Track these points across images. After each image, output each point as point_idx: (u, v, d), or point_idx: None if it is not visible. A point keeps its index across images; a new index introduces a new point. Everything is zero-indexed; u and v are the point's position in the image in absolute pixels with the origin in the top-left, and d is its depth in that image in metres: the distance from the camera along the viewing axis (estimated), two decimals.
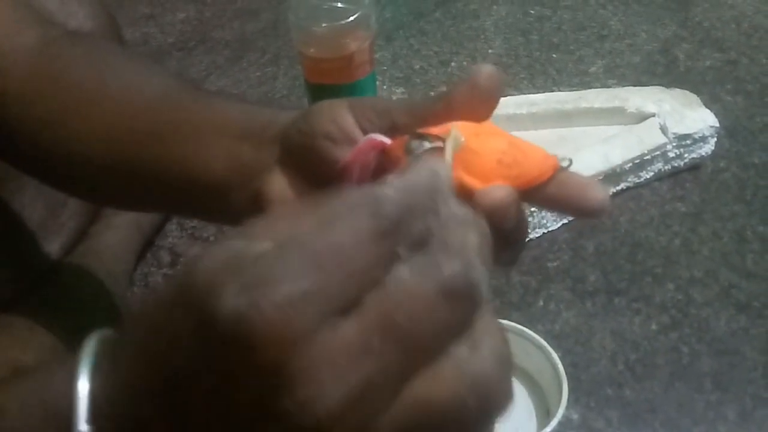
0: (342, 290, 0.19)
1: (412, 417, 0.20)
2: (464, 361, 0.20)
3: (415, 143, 0.29)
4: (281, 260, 0.19)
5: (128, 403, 0.22)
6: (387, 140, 0.31)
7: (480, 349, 0.20)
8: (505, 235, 0.30)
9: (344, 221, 0.20)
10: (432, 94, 0.32)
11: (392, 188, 0.21)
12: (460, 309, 0.20)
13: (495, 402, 0.20)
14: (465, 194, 0.29)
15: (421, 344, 0.20)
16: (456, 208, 0.22)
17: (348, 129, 0.33)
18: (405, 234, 0.20)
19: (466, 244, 0.21)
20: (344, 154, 0.33)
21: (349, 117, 0.34)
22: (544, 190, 0.30)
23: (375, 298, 0.20)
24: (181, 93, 0.42)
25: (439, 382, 0.20)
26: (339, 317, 0.19)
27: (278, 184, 0.36)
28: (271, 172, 0.36)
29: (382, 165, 0.32)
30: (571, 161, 0.31)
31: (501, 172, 0.30)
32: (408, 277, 0.20)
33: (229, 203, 0.38)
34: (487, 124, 0.31)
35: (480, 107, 0.31)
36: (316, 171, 0.34)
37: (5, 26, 0.46)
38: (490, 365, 0.20)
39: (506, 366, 0.21)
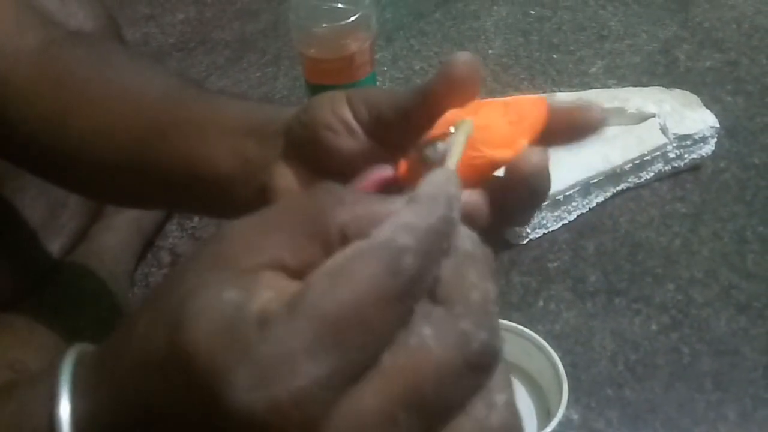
0: (361, 357, 0.18)
1: None
2: (483, 419, 0.20)
3: (429, 151, 0.28)
4: (292, 336, 0.18)
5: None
6: (389, 170, 0.30)
7: (496, 406, 0.20)
8: (536, 193, 0.29)
9: (359, 281, 0.18)
10: (412, 87, 0.33)
11: (408, 234, 0.19)
12: (483, 377, 0.20)
13: None
14: (494, 167, 0.29)
15: (443, 410, 0.19)
16: (467, 242, 0.21)
17: (347, 120, 0.34)
18: (423, 287, 0.19)
19: (488, 299, 0.20)
20: (346, 144, 0.34)
21: (347, 109, 0.34)
22: (552, 128, 0.31)
23: (396, 363, 0.19)
24: (183, 91, 0.43)
25: None
26: (357, 385, 0.18)
27: (284, 177, 0.36)
28: (276, 166, 0.36)
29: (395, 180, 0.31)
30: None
31: (516, 131, 0.30)
32: (433, 343, 0.19)
33: (234, 198, 0.38)
34: (473, 102, 0.31)
35: (460, 95, 0.30)
36: (320, 162, 0.35)
37: (7, 27, 0.46)
38: (507, 419, 0.20)
39: (518, 416, 0.21)
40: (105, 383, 0.22)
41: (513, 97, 0.31)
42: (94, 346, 0.24)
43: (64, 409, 0.22)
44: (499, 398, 0.20)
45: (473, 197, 0.30)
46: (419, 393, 0.19)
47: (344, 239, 0.20)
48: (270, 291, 0.19)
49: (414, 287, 0.19)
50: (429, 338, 0.19)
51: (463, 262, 0.20)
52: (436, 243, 0.19)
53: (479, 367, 0.19)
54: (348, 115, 0.34)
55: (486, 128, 0.29)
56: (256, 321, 0.18)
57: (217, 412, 0.18)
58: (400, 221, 0.19)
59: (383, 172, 0.31)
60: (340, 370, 0.18)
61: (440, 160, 0.27)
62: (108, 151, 0.42)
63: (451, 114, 0.30)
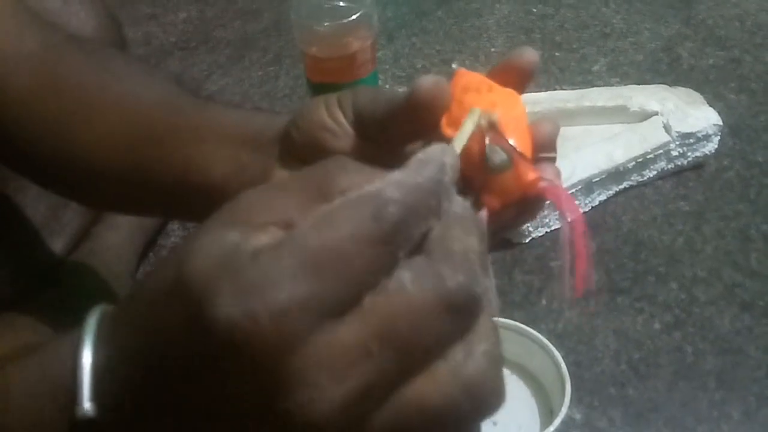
0: (340, 294, 0.19)
1: (407, 418, 0.20)
2: (459, 365, 0.20)
3: (493, 154, 0.29)
4: (277, 263, 0.19)
5: (129, 385, 0.22)
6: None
7: (474, 354, 0.20)
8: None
9: (344, 222, 0.20)
10: (397, 92, 0.34)
11: (396, 188, 0.20)
12: (460, 319, 0.20)
13: (487, 403, 0.21)
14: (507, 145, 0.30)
15: (419, 350, 0.20)
16: (457, 205, 0.22)
17: (341, 122, 0.35)
18: (407, 237, 0.20)
19: (469, 250, 0.21)
20: (343, 145, 0.35)
21: (339, 110, 0.35)
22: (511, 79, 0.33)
23: (375, 303, 0.20)
24: (179, 98, 0.43)
25: (435, 384, 0.20)
26: (337, 320, 0.19)
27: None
28: (275, 172, 0.37)
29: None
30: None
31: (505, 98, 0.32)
32: (410, 285, 0.20)
33: None
34: (468, 91, 0.33)
35: (427, 119, 0.32)
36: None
37: (7, 31, 0.46)
38: (484, 368, 0.21)
39: (498, 367, 0.21)
40: (123, 331, 0.23)
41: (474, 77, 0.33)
42: (114, 308, 0.25)
43: (86, 357, 0.23)
44: (479, 347, 0.21)
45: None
46: (394, 329, 0.19)
47: None
48: (269, 237, 0.20)
49: (396, 235, 0.20)
50: (407, 280, 0.20)
51: (450, 222, 0.21)
52: (423, 199, 0.20)
53: (455, 307, 0.20)
54: (341, 117, 0.35)
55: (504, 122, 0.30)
56: (250, 254, 0.20)
57: (201, 325, 0.19)
58: (390, 179, 0.21)
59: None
60: (320, 298, 0.19)
61: (504, 164, 0.29)
62: (105, 159, 0.43)
63: (466, 89, 0.32)
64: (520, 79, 0.34)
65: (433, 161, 0.21)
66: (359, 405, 0.19)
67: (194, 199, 0.40)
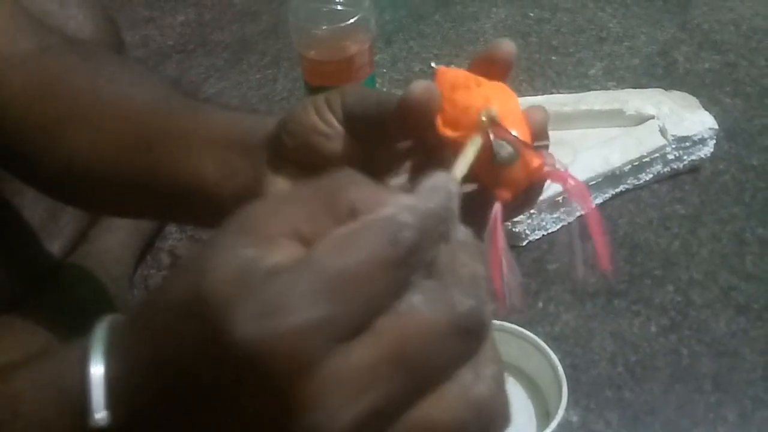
0: (354, 317, 0.20)
1: None
2: (468, 387, 0.21)
3: (500, 149, 0.30)
4: (295, 284, 0.19)
5: (142, 397, 0.22)
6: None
7: (483, 376, 0.21)
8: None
9: (361, 246, 0.20)
10: (388, 95, 0.35)
11: (410, 213, 0.21)
12: (469, 343, 0.21)
13: (495, 425, 0.21)
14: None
15: (429, 372, 0.20)
16: (461, 233, 0.22)
17: (332, 123, 0.35)
18: (419, 260, 0.21)
19: (477, 276, 0.22)
20: (336, 146, 0.35)
21: (328, 111, 0.35)
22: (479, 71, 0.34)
23: (387, 325, 0.20)
24: (169, 102, 0.43)
25: (444, 405, 0.20)
26: (349, 342, 0.20)
27: (276, 186, 0.37)
28: (266, 176, 0.37)
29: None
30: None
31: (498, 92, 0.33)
32: (422, 308, 0.20)
33: (223, 209, 0.39)
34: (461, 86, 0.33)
35: (419, 124, 0.32)
36: (313, 166, 0.36)
37: (4, 32, 0.46)
38: (492, 389, 0.21)
39: (504, 390, 0.22)
40: (136, 343, 0.23)
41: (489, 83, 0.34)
42: (121, 318, 0.25)
43: (97, 369, 0.23)
44: (487, 370, 0.21)
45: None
46: (405, 352, 0.20)
47: (353, 214, 0.22)
48: (284, 254, 0.21)
49: (410, 259, 0.20)
50: (418, 303, 0.20)
51: (456, 248, 0.22)
52: (434, 225, 0.21)
53: (466, 331, 0.21)
54: (332, 118, 0.35)
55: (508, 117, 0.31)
56: (267, 272, 0.20)
57: (218, 343, 0.20)
58: (402, 203, 0.21)
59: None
60: (336, 321, 0.19)
61: (512, 157, 0.30)
62: (99, 163, 0.43)
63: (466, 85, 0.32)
64: (501, 71, 0.34)
65: (441, 189, 0.22)
66: (369, 427, 0.20)
67: (189, 203, 0.41)
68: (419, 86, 0.31)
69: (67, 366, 0.24)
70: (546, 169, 0.31)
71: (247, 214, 0.22)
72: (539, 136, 0.33)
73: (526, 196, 0.32)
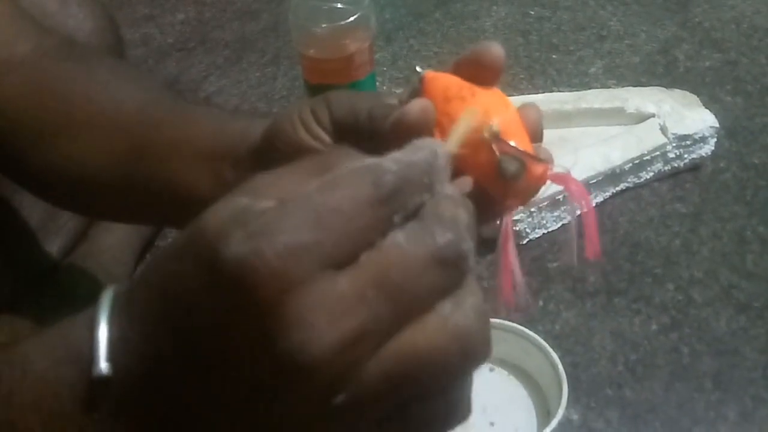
0: (339, 246, 0.21)
1: (399, 363, 0.21)
2: (448, 316, 0.22)
3: (507, 164, 0.30)
4: (284, 214, 0.21)
5: (144, 343, 0.23)
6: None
7: (463, 306, 0.22)
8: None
9: (346, 186, 0.22)
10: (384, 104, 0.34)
11: (393, 162, 0.22)
12: (448, 274, 0.22)
13: (476, 352, 0.22)
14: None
15: (411, 300, 0.22)
16: (449, 189, 0.24)
17: (319, 135, 0.35)
18: (401, 203, 0.22)
19: (458, 218, 0.23)
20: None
21: (315, 123, 0.35)
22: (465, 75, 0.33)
23: (371, 257, 0.21)
24: (158, 109, 0.43)
25: (425, 333, 0.22)
26: (336, 270, 0.21)
27: None
28: None
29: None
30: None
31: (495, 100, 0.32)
32: (403, 241, 0.22)
33: None
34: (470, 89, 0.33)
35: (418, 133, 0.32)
36: None
37: (1, 34, 0.46)
38: (472, 319, 0.22)
39: (485, 320, 0.23)
40: (138, 294, 0.24)
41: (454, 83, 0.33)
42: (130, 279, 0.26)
43: (102, 327, 0.24)
44: (467, 300, 0.22)
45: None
46: (388, 280, 0.21)
47: None
48: (277, 202, 0.22)
49: (392, 200, 0.22)
50: (400, 238, 0.22)
51: (441, 199, 0.23)
52: (417, 174, 0.23)
53: (445, 263, 0.22)
54: (320, 132, 0.35)
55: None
56: (259, 210, 0.22)
57: (212, 265, 0.21)
58: (388, 156, 0.23)
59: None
60: (321, 248, 0.21)
61: (519, 171, 0.30)
62: (91, 170, 0.43)
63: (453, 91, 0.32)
64: (490, 77, 0.33)
65: (427, 148, 0.23)
66: (353, 350, 0.21)
67: (182, 211, 0.39)
68: (414, 108, 0.30)
69: (74, 328, 0.25)
70: (549, 174, 0.31)
71: (247, 182, 0.24)
72: (534, 136, 0.32)
73: (523, 199, 0.33)
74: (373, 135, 0.33)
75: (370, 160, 0.23)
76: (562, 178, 0.32)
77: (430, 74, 0.33)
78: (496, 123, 0.30)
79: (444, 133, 0.31)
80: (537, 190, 0.32)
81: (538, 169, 0.31)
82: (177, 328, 0.23)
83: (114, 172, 0.43)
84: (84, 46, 0.60)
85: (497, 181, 0.30)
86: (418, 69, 0.34)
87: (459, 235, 0.22)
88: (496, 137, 0.30)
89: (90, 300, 0.72)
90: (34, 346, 0.26)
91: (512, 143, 0.30)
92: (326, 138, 0.34)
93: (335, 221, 0.21)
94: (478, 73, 0.33)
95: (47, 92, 0.45)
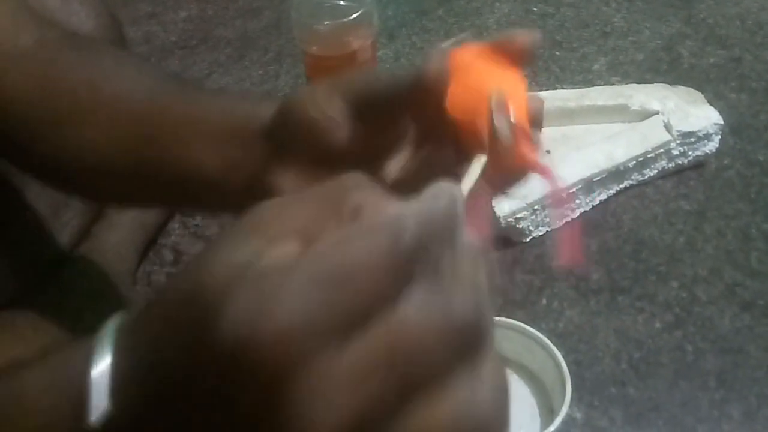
0: (349, 315, 0.19)
1: None
2: (464, 393, 0.20)
3: (501, 128, 0.32)
4: (289, 281, 0.19)
5: (137, 393, 0.23)
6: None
7: (480, 383, 0.20)
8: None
9: (361, 247, 0.20)
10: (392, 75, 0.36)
11: (413, 217, 0.20)
12: (466, 345, 0.20)
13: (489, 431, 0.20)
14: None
15: (424, 374, 0.20)
16: (467, 242, 0.22)
17: (335, 114, 0.35)
18: (420, 264, 0.20)
19: (478, 283, 0.21)
20: (342, 136, 0.36)
21: (332, 102, 0.36)
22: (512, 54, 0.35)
23: (383, 325, 0.19)
24: (166, 96, 0.44)
25: (438, 411, 0.20)
26: (340, 343, 0.19)
27: (281, 175, 0.38)
28: (271, 165, 0.38)
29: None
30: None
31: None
32: (419, 307, 0.20)
33: (228, 199, 0.40)
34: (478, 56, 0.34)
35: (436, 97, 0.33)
36: (319, 156, 0.36)
37: (5, 29, 0.46)
38: (489, 398, 0.20)
39: (504, 399, 0.21)
40: (138, 340, 0.23)
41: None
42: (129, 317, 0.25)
43: (98, 370, 0.23)
44: (486, 378, 0.20)
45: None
46: (398, 355, 0.19)
47: (356, 215, 0.21)
48: (285, 250, 0.21)
49: (410, 262, 0.20)
50: (415, 306, 0.20)
51: (459, 256, 0.21)
52: (437, 230, 0.20)
53: (463, 331, 0.20)
54: (333, 110, 0.35)
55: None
56: (264, 266, 0.20)
57: (209, 334, 0.19)
58: (406, 206, 0.21)
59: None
60: (326, 321, 0.19)
61: (508, 142, 0.31)
62: (103, 159, 0.43)
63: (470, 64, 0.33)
64: (518, 61, 0.34)
65: (446, 195, 0.21)
66: (359, 429, 0.19)
67: (194, 193, 0.41)
68: (436, 62, 0.33)
69: (72, 365, 0.24)
70: (537, 160, 0.32)
71: (253, 215, 0.22)
72: (535, 122, 0.33)
73: (506, 182, 0.34)
74: (392, 104, 0.34)
75: (387, 214, 0.21)
76: (548, 172, 0.33)
77: (458, 50, 0.34)
78: (503, 93, 0.32)
79: (455, 102, 0.33)
80: (522, 173, 0.33)
81: (526, 147, 0.32)
82: (171, 384, 0.21)
83: (124, 157, 0.43)
84: (86, 37, 0.60)
85: (486, 148, 0.32)
86: (449, 43, 0.35)
87: (478, 302, 0.20)
88: (500, 105, 0.31)
89: (93, 297, 0.71)
90: (32, 380, 0.25)
91: (512, 117, 0.32)
92: (338, 116, 0.35)
93: (345, 290, 0.19)
94: (508, 55, 0.34)
95: (53, 82, 0.45)
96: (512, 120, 0.31)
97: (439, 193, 0.21)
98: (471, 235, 0.22)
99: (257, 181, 0.38)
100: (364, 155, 0.36)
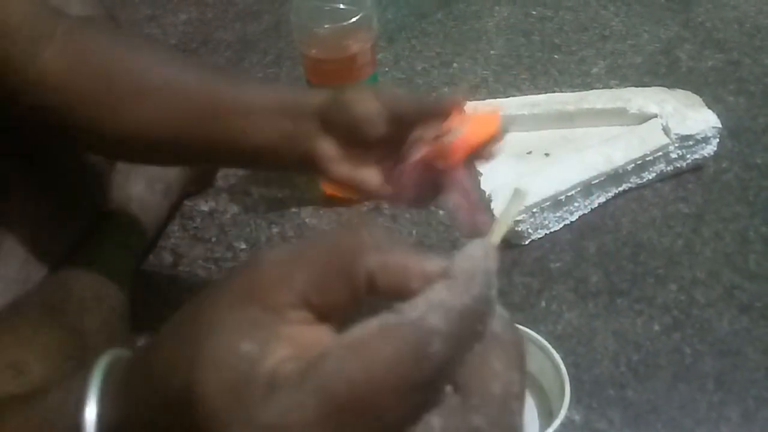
0: None
1: None
2: None
3: (450, 136, 0.46)
4: (294, 409, 0.17)
5: None
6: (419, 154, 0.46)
7: None
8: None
9: (380, 363, 0.16)
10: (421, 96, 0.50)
11: (442, 315, 0.17)
12: None
13: None
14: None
15: None
16: (499, 325, 0.19)
17: (375, 114, 0.47)
18: (448, 375, 0.17)
19: (509, 392, 0.18)
20: (375, 131, 0.48)
21: (375, 105, 0.47)
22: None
23: None
24: (216, 76, 0.51)
25: None
26: None
27: (325, 145, 0.49)
28: (318, 137, 0.48)
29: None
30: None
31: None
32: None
33: (280, 163, 0.50)
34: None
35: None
36: (355, 139, 0.48)
37: (27, 15, 0.48)
38: None
39: None
40: (130, 399, 0.22)
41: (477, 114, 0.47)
42: (122, 356, 0.24)
43: (91, 414, 0.22)
44: None
45: None
46: None
47: (372, 286, 0.19)
48: (288, 347, 0.18)
49: (438, 377, 0.17)
50: (436, 428, 0.17)
51: (490, 346, 0.18)
52: (470, 327, 0.18)
53: None
54: (375, 111, 0.47)
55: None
56: (267, 382, 0.17)
57: None
58: (433, 298, 0.17)
59: (417, 156, 0.45)
60: None
61: (456, 142, 0.44)
62: (165, 133, 0.50)
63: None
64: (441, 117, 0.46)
65: (480, 272, 0.18)
66: None
67: (247, 159, 0.51)
68: (457, 96, 0.46)
69: (62, 409, 0.23)
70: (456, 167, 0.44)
71: (252, 274, 0.20)
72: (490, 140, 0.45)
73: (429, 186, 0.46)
74: (415, 117, 0.46)
75: (412, 315, 0.17)
76: (461, 180, 0.44)
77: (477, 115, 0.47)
78: (459, 131, 0.44)
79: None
80: (442, 177, 0.44)
81: (458, 158, 0.44)
82: None
83: (187, 132, 0.49)
84: (101, 21, 0.64)
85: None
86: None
87: (506, 424, 0.17)
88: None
89: (92, 299, 0.72)
90: (21, 423, 0.24)
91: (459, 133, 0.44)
92: (376, 119, 0.47)
93: (359, 419, 0.16)
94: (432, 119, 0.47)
95: (93, 65, 0.49)
96: (458, 134, 0.43)
97: (472, 271, 0.18)
98: (503, 314, 0.19)
99: (305, 154, 0.48)
100: (388, 147, 0.47)
